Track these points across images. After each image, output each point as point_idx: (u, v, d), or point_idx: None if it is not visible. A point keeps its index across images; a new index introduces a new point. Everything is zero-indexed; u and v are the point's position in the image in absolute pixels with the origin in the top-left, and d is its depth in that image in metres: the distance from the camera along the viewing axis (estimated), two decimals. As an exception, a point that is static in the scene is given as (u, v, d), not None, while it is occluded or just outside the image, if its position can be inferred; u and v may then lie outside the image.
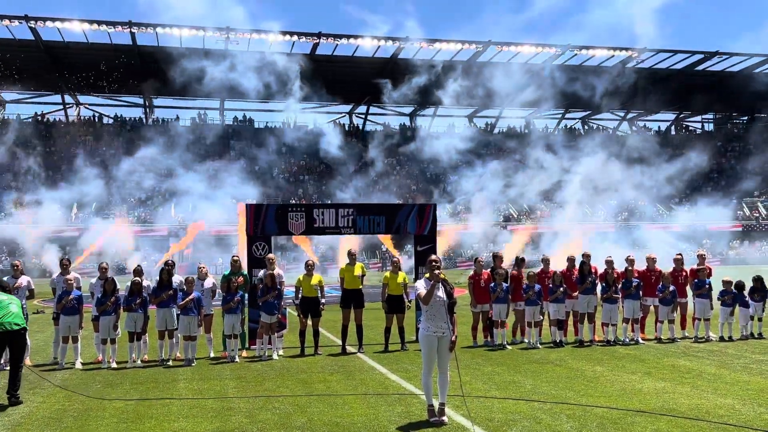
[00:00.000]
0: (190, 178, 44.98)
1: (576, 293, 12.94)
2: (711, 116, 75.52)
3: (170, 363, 11.31)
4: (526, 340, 12.87)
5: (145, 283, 11.82)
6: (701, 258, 14.12)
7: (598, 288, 12.95)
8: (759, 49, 70.77)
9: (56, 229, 41.88)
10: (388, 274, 12.69)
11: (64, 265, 12.00)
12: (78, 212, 47.06)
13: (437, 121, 68.05)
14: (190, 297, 11.35)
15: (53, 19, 47.69)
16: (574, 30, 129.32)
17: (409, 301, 12.60)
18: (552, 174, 49.49)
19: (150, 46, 50.80)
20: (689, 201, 56.81)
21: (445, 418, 7.38)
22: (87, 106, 64.06)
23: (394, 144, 61.37)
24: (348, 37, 51.96)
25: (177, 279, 11.95)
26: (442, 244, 26.18)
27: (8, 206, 46.08)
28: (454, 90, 51.01)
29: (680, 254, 14.16)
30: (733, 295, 13.43)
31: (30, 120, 60.09)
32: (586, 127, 72.04)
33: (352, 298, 12.35)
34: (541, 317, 12.78)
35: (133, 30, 48.63)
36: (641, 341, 12.80)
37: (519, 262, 13.37)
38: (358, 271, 12.49)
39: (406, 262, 24.37)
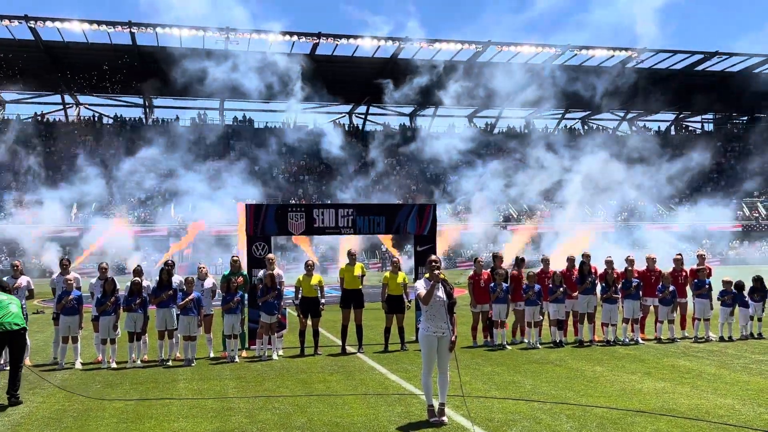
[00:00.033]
0: (190, 179, 44.97)
1: (576, 293, 12.94)
2: (711, 116, 75.51)
3: (170, 363, 11.31)
4: (525, 341, 12.87)
5: (145, 283, 11.82)
6: (701, 258, 14.12)
7: (598, 288, 12.94)
8: (759, 49, 70.84)
9: (56, 229, 41.95)
10: (387, 274, 12.69)
11: (64, 265, 12.00)
12: (78, 212, 47.07)
13: (437, 121, 68.23)
14: (190, 297, 11.35)
15: (53, 19, 47.67)
16: (575, 30, 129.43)
17: (409, 301, 12.60)
18: (552, 174, 49.44)
19: (150, 47, 50.80)
20: (689, 201, 56.81)
21: (445, 419, 7.38)
22: (87, 106, 64.12)
23: (395, 144, 61.34)
24: (348, 37, 51.94)
25: (177, 279, 11.95)
26: (442, 244, 26.24)
27: (8, 206, 46.10)
28: (455, 90, 50.94)
29: (680, 254, 14.16)
30: (732, 295, 13.42)
31: (30, 120, 60.08)
32: (586, 127, 72.04)
33: (351, 299, 12.35)
34: (541, 317, 12.78)
35: (133, 30, 48.62)
36: (641, 341, 12.80)
37: (519, 262, 13.37)
38: (357, 271, 12.49)
39: (406, 262, 24.36)
